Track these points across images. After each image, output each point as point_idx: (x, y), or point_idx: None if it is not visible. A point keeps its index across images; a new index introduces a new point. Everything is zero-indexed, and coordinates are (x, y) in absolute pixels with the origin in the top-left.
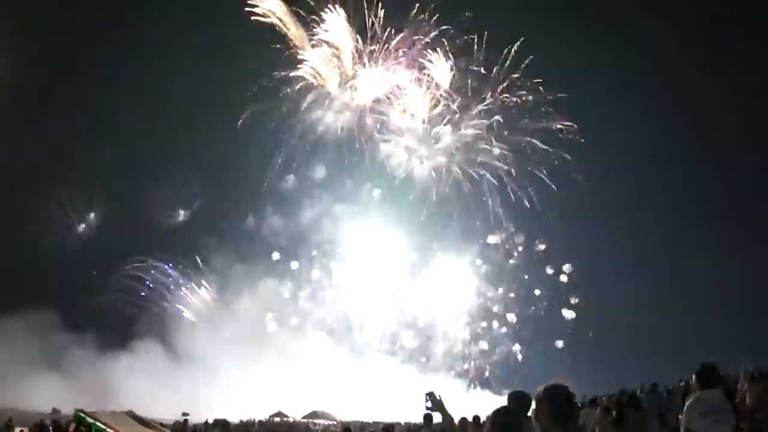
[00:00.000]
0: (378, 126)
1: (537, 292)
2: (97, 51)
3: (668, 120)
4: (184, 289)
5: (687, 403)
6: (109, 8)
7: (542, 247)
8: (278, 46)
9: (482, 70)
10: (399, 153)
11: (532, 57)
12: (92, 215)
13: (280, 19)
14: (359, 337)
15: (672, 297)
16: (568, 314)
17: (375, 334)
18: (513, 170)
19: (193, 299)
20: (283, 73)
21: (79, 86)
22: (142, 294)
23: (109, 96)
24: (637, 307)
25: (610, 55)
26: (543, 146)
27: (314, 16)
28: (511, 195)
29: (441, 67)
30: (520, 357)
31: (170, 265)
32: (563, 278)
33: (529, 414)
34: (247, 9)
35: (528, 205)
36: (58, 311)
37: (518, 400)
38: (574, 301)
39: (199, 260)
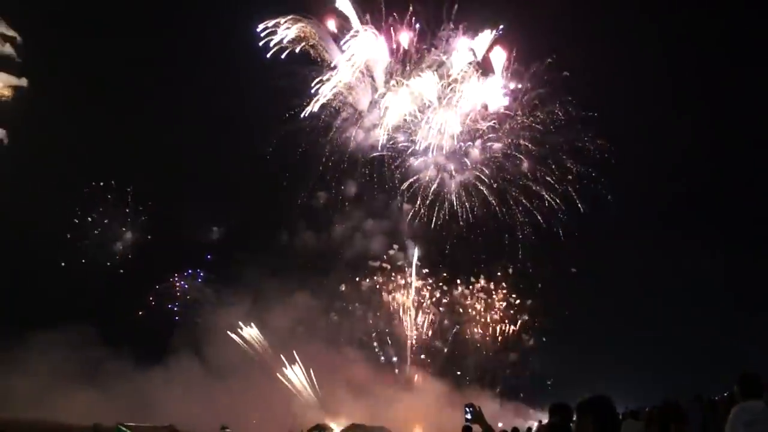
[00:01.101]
0: (408, 142)
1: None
2: (132, 72)
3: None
4: (218, 303)
5: (731, 414)
6: (139, 26)
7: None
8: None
9: (511, 86)
10: (429, 169)
11: (566, 73)
12: (129, 233)
13: (314, 39)
14: (391, 350)
15: (714, 306)
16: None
17: (406, 347)
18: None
19: (228, 313)
20: (315, 91)
21: (116, 107)
22: (177, 309)
23: (144, 116)
24: (678, 316)
25: (642, 71)
26: (572, 164)
27: (344, 33)
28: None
29: (471, 84)
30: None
31: (205, 280)
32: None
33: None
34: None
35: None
36: (96, 326)
37: (560, 411)
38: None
39: (232, 276)
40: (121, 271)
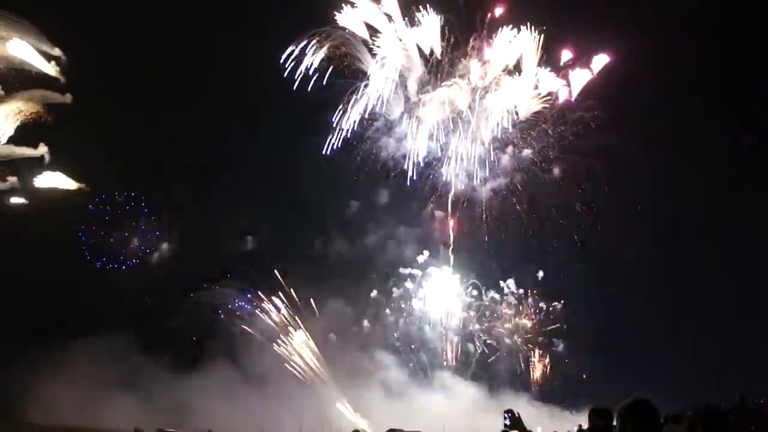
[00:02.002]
0: (439, 149)
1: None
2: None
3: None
4: (253, 311)
5: None
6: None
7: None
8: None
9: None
10: (460, 176)
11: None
12: (165, 244)
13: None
14: (424, 356)
15: (760, 304)
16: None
17: (439, 353)
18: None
19: (262, 321)
20: (348, 100)
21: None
22: (213, 317)
23: (178, 127)
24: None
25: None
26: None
27: (375, 36)
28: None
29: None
30: (586, 371)
31: (240, 289)
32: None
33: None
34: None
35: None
36: (135, 334)
37: (601, 416)
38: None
39: (267, 284)
40: (159, 280)
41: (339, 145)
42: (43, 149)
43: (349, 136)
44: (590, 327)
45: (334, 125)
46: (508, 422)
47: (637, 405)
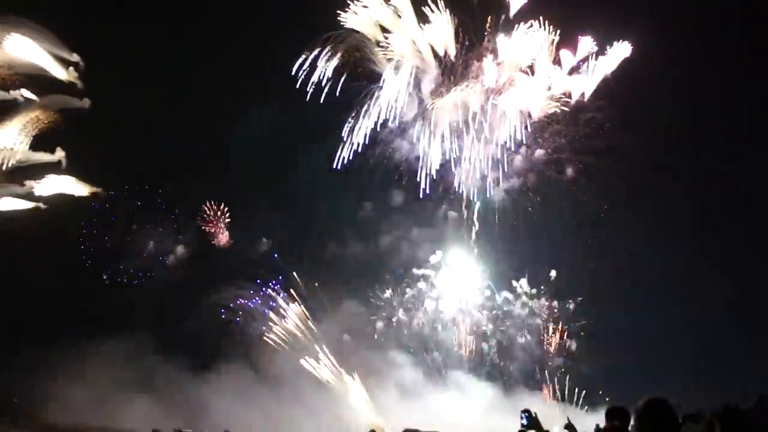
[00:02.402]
0: (454, 151)
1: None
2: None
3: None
4: (268, 313)
5: None
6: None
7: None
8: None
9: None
10: (473, 176)
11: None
12: (180, 247)
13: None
14: (438, 355)
15: None
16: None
17: (453, 353)
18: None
19: (277, 323)
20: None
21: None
22: (229, 319)
23: (194, 133)
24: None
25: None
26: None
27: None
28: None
29: (515, 91)
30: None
31: (255, 291)
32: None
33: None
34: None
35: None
36: (151, 336)
37: (617, 415)
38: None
39: (281, 286)
40: (175, 282)
41: (350, 157)
42: (60, 154)
43: (359, 150)
44: (607, 326)
45: (345, 137)
46: (525, 422)
47: (655, 404)
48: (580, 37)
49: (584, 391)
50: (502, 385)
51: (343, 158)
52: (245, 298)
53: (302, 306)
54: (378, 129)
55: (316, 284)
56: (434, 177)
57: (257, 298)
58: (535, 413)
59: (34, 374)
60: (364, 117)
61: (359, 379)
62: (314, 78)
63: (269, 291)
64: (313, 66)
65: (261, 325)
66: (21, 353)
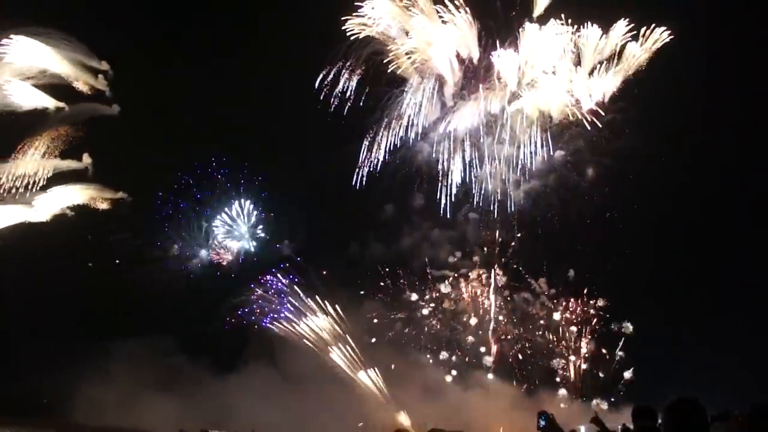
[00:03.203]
0: (473, 152)
1: None
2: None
3: None
4: (291, 314)
5: None
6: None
7: None
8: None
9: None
10: (494, 178)
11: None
12: (203, 251)
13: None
14: (459, 355)
15: None
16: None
17: (475, 352)
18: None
19: (300, 323)
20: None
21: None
22: (252, 320)
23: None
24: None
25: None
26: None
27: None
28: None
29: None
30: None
31: (279, 291)
32: None
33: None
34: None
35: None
36: (175, 336)
37: (645, 415)
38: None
39: (305, 286)
40: (199, 283)
41: (375, 166)
42: (87, 161)
43: (380, 164)
44: (635, 327)
45: (365, 152)
46: (543, 424)
47: (684, 404)
48: (602, 35)
49: (609, 391)
50: (525, 385)
51: (363, 176)
52: (269, 300)
53: (325, 306)
54: (400, 139)
55: (339, 285)
56: (455, 179)
57: (280, 299)
58: (552, 415)
59: (62, 375)
60: (385, 130)
61: (383, 378)
62: (338, 89)
63: (292, 292)
64: (335, 78)
65: (284, 326)
66: (49, 355)
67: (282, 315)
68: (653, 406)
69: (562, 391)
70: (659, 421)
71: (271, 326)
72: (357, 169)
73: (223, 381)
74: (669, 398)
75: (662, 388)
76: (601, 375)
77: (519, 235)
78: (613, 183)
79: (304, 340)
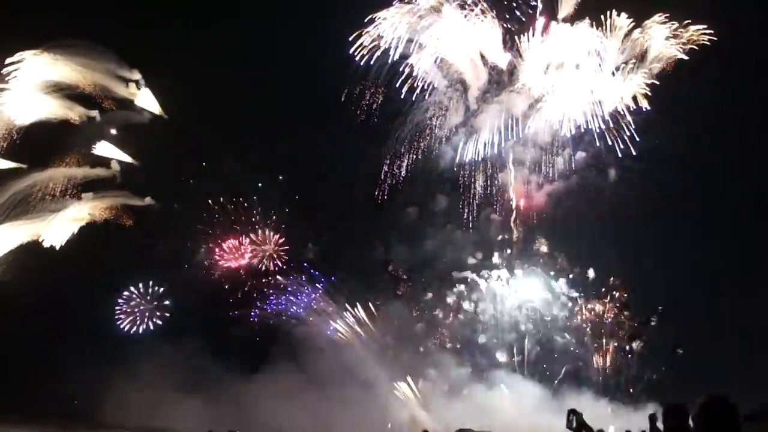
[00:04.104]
0: (496, 155)
1: None
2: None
3: None
4: (315, 317)
5: None
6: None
7: None
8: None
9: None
10: (516, 180)
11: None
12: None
13: None
14: (483, 356)
15: None
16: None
17: (498, 353)
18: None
19: (324, 326)
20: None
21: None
22: (277, 323)
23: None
24: None
25: None
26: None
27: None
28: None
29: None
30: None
31: (303, 295)
32: None
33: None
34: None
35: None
36: (203, 338)
37: (676, 414)
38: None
39: (328, 290)
40: (225, 286)
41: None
42: (116, 168)
43: (402, 171)
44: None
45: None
46: (572, 422)
47: (715, 402)
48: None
49: (632, 390)
50: (550, 384)
51: (384, 191)
52: (293, 303)
53: (349, 308)
54: (423, 143)
55: (362, 287)
56: (478, 182)
57: (305, 302)
58: (581, 413)
59: (94, 377)
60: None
61: (408, 379)
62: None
63: (316, 294)
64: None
65: (309, 329)
66: (82, 358)
67: (306, 317)
68: (684, 405)
69: (586, 391)
70: (690, 421)
71: (295, 329)
72: (382, 175)
73: (249, 383)
74: (697, 397)
75: (689, 386)
76: (624, 375)
77: (539, 236)
78: (636, 184)
79: (328, 343)
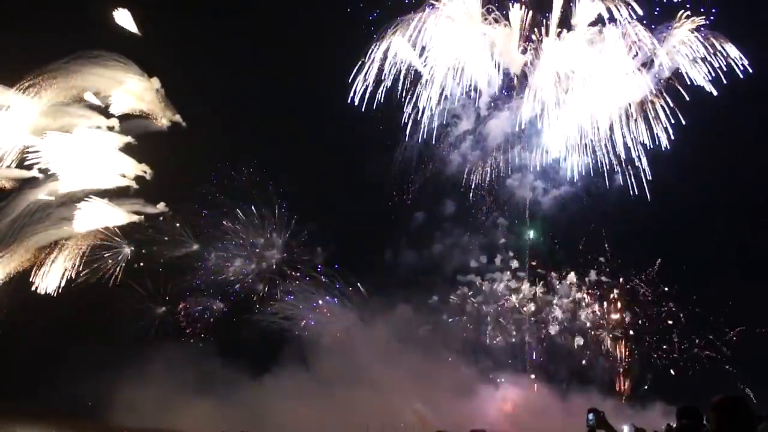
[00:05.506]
0: (505, 160)
1: None
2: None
3: None
4: (324, 319)
5: None
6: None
7: None
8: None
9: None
10: (524, 185)
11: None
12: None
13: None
14: (490, 359)
15: None
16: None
17: (505, 354)
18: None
19: (333, 328)
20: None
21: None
22: (286, 324)
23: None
24: None
25: None
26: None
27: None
28: None
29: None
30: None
31: (312, 299)
32: None
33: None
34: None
35: None
36: (212, 340)
37: (690, 415)
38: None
39: (337, 292)
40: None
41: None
42: (130, 176)
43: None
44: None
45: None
46: (593, 422)
47: (730, 402)
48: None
49: (643, 390)
50: (558, 385)
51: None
52: (301, 306)
53: (357, 310)
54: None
55: (371, 289)
56: (485, 185)
57: (313, 305)
58: (603, 412)
59: (104, 379)
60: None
61: (414, 381)
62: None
63: (326, 296)
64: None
65: (317, 330)
66: (92, 359)
67: (315, 319)
68: (697, 406)
69: (597, 391)
70: (704, 421)
71: (304, 330)
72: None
73: (258, 384)
74: (710, 398)
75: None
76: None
77: (543, 239)
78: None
79: (336, 345)
